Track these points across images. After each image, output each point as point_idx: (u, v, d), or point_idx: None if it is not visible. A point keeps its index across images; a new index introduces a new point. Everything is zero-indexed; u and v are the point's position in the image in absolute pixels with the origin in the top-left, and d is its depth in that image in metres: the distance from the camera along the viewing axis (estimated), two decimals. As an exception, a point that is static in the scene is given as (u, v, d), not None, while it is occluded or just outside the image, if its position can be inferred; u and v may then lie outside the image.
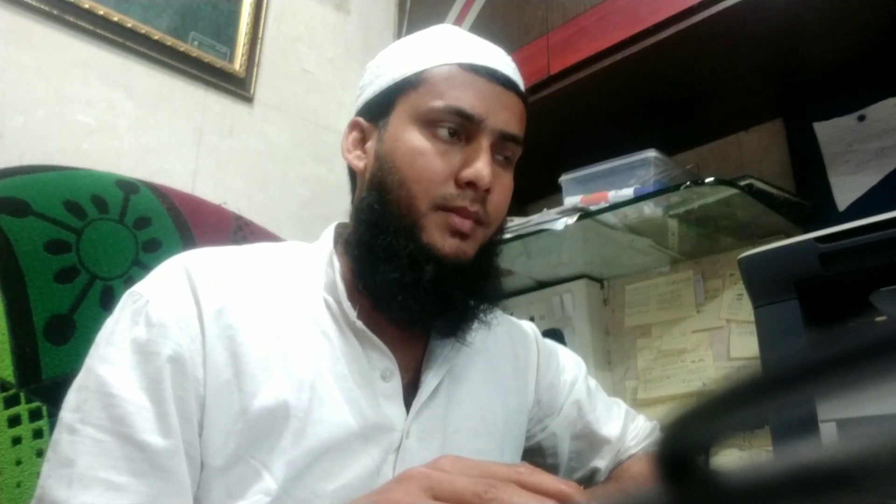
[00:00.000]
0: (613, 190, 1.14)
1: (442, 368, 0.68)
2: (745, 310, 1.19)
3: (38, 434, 0.63)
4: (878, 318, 0.75)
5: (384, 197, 0.64)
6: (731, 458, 1.15)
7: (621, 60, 1.10)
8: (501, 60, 0.69)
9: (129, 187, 0.78)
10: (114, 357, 0.54)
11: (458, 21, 1.44)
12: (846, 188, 1.12)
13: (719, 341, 1.23)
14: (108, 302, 0.69)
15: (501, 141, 0.66)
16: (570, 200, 1.19)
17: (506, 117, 0.66)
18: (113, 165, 1.07)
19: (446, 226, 0.63)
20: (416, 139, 0.64)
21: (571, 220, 1.14)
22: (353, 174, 0.73)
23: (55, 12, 1.13)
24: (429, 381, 0.66)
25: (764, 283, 0.82)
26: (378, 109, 0.68)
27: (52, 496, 0.50)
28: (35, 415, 0.63)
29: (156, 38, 1.26)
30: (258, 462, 0.55)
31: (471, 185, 0.62)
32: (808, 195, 1.15)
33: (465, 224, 0.63)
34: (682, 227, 1.18)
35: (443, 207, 0.63)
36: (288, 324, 0.61)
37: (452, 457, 0.50)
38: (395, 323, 0.66)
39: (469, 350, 0.71)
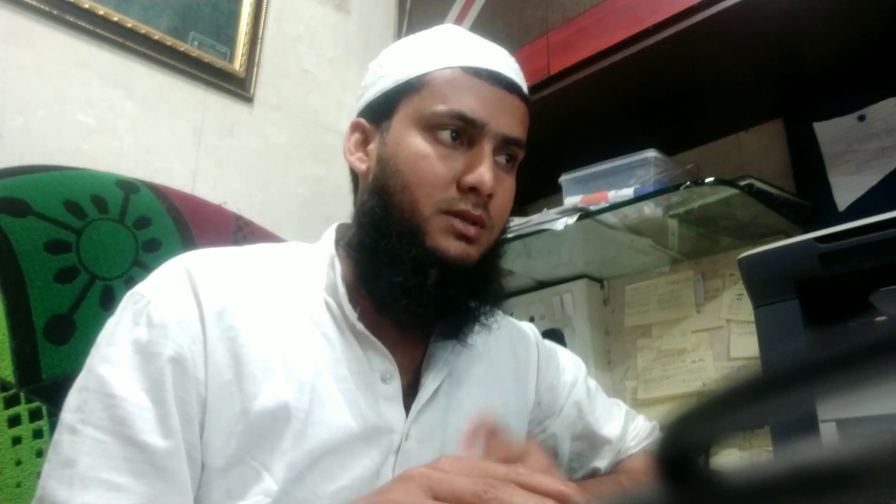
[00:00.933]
0: (613, 190, 1.14)
1: (442, 371, 0.68)
2: (745, 310, 1.19)
3: (38, 434, 0.63)
4: (878, 318, 0.75)
5: (387, 201, 0.64)
6: (731, 458, 1.15)
7: (621, 60, 1.10)
8: (504, 63, 0.68)
9: (129, 187, 0.78)
10: (115, 358, 0.54)
11: (458, 21, 1.44)
12: (846, 188, 1.12)
13: (719, 341, 1.23)
14: (108, 302, 0.69)
15: (504, 145, 0.66)
16: (570, 200, 1.19)
17: (508, 121, 0.66)
18: (113, 165, 1.07)
19: (450, 229, 0.62)
20: (418, 143, 0.64)
21: (571, 220, 1.14)
22: (354, 175, 0.73)
23: (55, 12, 1.13)
24: (429, 384, 0.66)
25: (764, 283, 0.82)
26: (380, 111, 0.68)
27: (52, 496, 0.50)
28: (35, 415, 0.63)
29: (156, 38, 1.26)
30: (258, 463, 0.55)
31: (473, 190, 0.62)
32: (808, 195, 1.15)
33: (469, 229, 0.63)
34: (682, 227, 1.18)
35: (446, 211, 0.62)
36: (289, 325, 0.61)
37: (452, 457, 0.50)
38: (397, 325, 0.66)
39: (469, 352, 0.71)
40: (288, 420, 0.57)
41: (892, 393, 0.12)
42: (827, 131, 1.15)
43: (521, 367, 0.80)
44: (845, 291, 0.79)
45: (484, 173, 0.62)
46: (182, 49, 1.30)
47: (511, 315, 0.88)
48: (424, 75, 0.66)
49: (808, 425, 0.71)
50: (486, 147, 0.64)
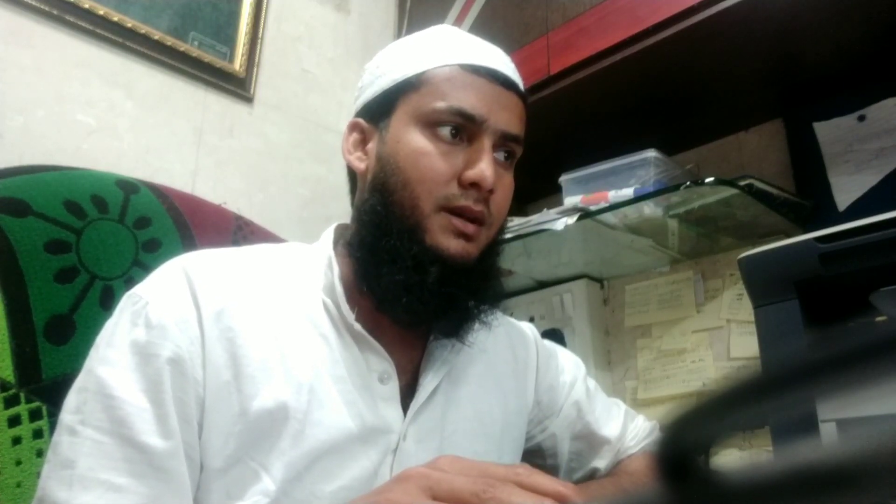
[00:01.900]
0: (613, 190, 1.13)
1: (440, 371, 0.68)
2: (745, 310, 1.19)
3: (38, 434, 0.63)
4: (878, 318, 0.75)
5: (387, 199, 0.64)
6: (731, 458, 1.15)
7: (621, 60, 1.10)
8: (501, 61, 0.69)
9: (129, 187, 0.78)
10: (113, 359, 0.54)
11: (458, 21, 1.44)
12: (846, 188, 1.12)
13: (719, 341, 1.23)
14: (108, 302, 0.69)
15: (503, 141, 0.66)
16: (570, 200, 1.19)
17: (507, 117, 0.66)
18: (113, 165, 1.07)
19: (450, 227, 0.63)
20: (418, 140, 0.64)
21: (571, 220, 1.14)
22: (352, 175, 0.73)
23: (55, 12, 1.13)
24: (427, 384, 0.66)
25: (764, 283, 0.82)
26: (379, 110, 0.68)
27: (52, 497, 0.50)
28: (35, 415, 0.63)
29: (156, 38, 1.26)
30: (257, 463, 0.55)
31: (474, 185, 0.63)
32: (808, 195, 1.15)
33: (468, 227, 0.63)
34: (682, 227, 1.18)
35: (446, 209, 0.63)
36: (287, 326, 0.61)
37: (451, 457, 0.50)
38: (396, 325, 0.66)
39: (468, 352, 0.71)
40: (286, 420, 0.57)
41: (892, 393, 0.12)
42: (827, 131, 1.15)
43: (521, 366, 0.80)
44: (845, 291, 0.79)
45: (485, 169, 0.62)
46: (182, 49, 1.30)
47: (511, 315, 0.89)
48: (423, 73, 0.66)
49: (808, 425, 0.71)
50: (486, 143, 0.64)
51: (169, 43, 1.28)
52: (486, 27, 1.37)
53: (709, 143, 1.33)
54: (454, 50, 0.67)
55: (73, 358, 0.65)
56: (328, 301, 0.64)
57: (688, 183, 1.03)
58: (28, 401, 0.63)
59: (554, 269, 1.41)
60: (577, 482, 0.84)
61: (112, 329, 0.57)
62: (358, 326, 0.63)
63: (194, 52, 1.32)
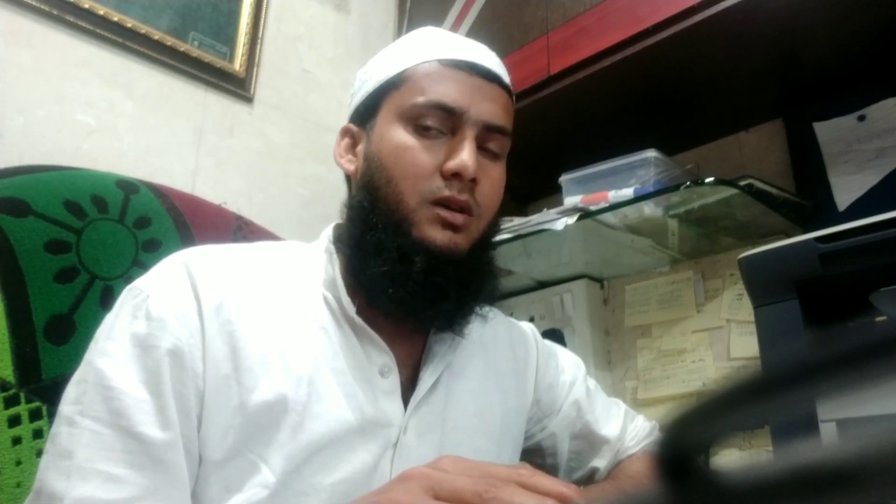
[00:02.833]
0: (613, 190, 1.13)
1: (440, 364, 0.68)
2: (745, 310, 1.19)
3: (37, 434, 0.63)
4: (878, 318, 0.75)
5: (374, 195, 0.65)
6: (731, 458, 1.15)
7: (621, 60, 1.10)
8: (482, 54, 0.70)
9: (129, 187, 0.78)
10: (113, 351, 0.54)
11: (458, 21, 1.44)
12: (846, 188, 1.12)
13: (719, 341, 1.23)
14: (108, 302, 0.69)
15: (486, 132, 0.66)
16: (570, 200, 1.19)
17: (489, 108, 0.66)
18: (113, 165, 1.07)
19: (438, 219, 0.63)
20: (400, 136, 0.65)
21: (571, 220, 1.14)
22: (348, 179, 0.74)
23: (55, 12, 1.13)
24: (427, 377, 0.67)
25: (764, 283, 0.82)
26: (365, 113, 0.70)
27: (50, 488, 0.50)
28: (35, 415, 0.63)
29: (156, 38, 1.26)
30: (256, 456, 0.56)
31: (456, 175, 0.63)
32: (808, 195, 1.15)
33: (456, 217, 0.63)
34: (682, 227, 1.18)
35: (432, 201, 0.63)
36: (287, 319, 0.61)
37: (453, 457, 0.50)
38: (390, 318, 0.66)
39: (468, 348, 0.72)
40: (285, 413, 0.57)
41: (892, 393, 0.12)
42: (827, 131, 1.15)
43: (520, 366, 0.80)
44: (845, 291, 0.79)
45: (465, 158, 0.63)
46: (182, 49, 1.30)
47: (511, 315, 0.89)
48: (403, 71, 0.67)
49: (808, 425, 0.71)
50: (468, 133, 0.64)
51: (169, 43, 1.28)
52: (485, 27, 1.37)
53: (709, 143, 1.33)
54: (434, 47, 0.68)
55: (74, 358, 0.65)
56: (328, 295, 0.65)
57: (688, 183, 1.03)
58: (28, 401, 0.63)
59: (554, 269, 1.41)
60: (577, 482, 0.85)
61: (112, 322, 0.57)
62: (359, 320, 0.63)
63: (194, 52, 1.32)
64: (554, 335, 1.38)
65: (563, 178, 1.23)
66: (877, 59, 1.07)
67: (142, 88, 1.24)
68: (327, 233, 0.72)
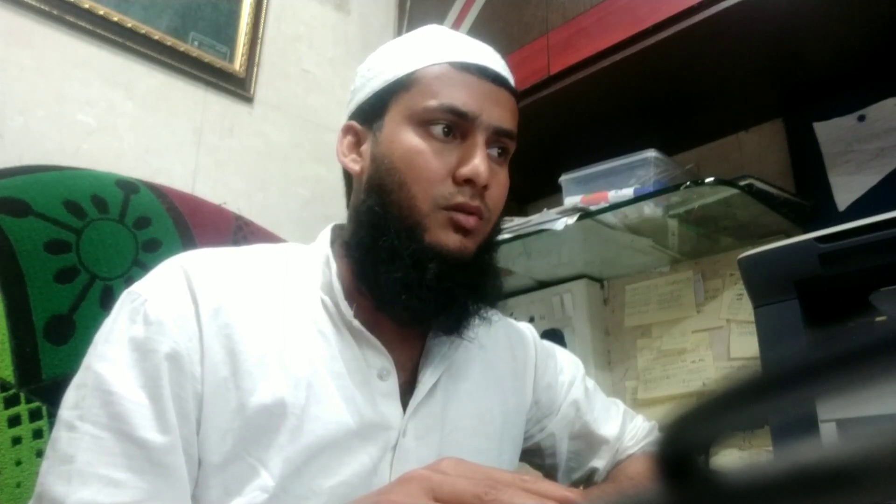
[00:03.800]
0: (613, 190, 1.14)
1: (439, 366, 0.68)
2: (745, 310, 1.19)
3: (37, 434, 0.63)
4: (878, 318, 0.75)
5: (384, 199, 0.64)
6: (731, 458, 1.15)
7: (621, 60, 1.10)
8: (491, 58, 0.69)
9: (129, 187, 0.78)
10: (112, 355, 0.54)
11: (458, 21, 1.44)
12: (846, 188, 1.12)
13: (719, 341, 1.23)
14: (108, 302, 0.69)
15: (496, 137, 0.66)
16: (570, 200, 1.19)
17: (499, 113, 0.66)
18: (113, 165, 1.07)
19: (450, 223, 0.63)
20: (412, 139, 0.64)
21: (571, 220, 1.14)
22: (348, 177, 0.74)
23: (55, 12, 1.13)
24: (426, 379, 0.67)
25: (764, 283, 0.82)
26: (372, 112, 0.69)
27: (51, 492, 0.50)
28: (35, 415, 0.63)
29: (156, 38, 1.26)
30: (255, 459, 0.56)
31: (469, 182, 0.63)
32: (808, 195, 1.15)
33: (468, 220, 0.63)
34: (682, 227, 1.18)
35: (444, 207, 0.63)
36: (285, 323, 0.61)
37: (454, 459, 0.50)
38: (395, 323, 0.66)
39: (467, 349, 0.72)
40: (284, 416, 0.57)
41: (892, 393, 0.12)
42: (827, 131, 1.15)
43: (519, 366, 0.80)
44: (845, 291, 0.79)
45: (479, 165, 0.63)
46: (182, 49, 1.30)
47: (511, 315, 0.89)
48: (413, 73, 0.66)
49: (808, 425, 0.71)
50: (479, 139, 0.64)
51: (169, 43, 1.28)
52: (485, 27, 1.37)
53: (709, 143, 1.33)
54: (444, 48, 0.68)
55: (73, 358, 0.65)
56: (326, 299, 0.65)
57: (688, 183, 1.03)
58: (28, 401, 0.63)
59: (554, 269, 1.41)
60: (576, 482, 0.85)
61: (110, 326, 0.57)
62: (356, 323, 0.63)
63: (194, 52, 1.32)
64: (554, 335, 1.38)
65: (563, 178, 1.23)
66: (877, 59, 1.07)
67: (142, 88, 1.24)
68: (325, 234, 0.71)
